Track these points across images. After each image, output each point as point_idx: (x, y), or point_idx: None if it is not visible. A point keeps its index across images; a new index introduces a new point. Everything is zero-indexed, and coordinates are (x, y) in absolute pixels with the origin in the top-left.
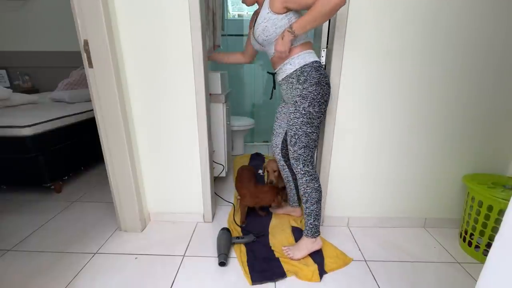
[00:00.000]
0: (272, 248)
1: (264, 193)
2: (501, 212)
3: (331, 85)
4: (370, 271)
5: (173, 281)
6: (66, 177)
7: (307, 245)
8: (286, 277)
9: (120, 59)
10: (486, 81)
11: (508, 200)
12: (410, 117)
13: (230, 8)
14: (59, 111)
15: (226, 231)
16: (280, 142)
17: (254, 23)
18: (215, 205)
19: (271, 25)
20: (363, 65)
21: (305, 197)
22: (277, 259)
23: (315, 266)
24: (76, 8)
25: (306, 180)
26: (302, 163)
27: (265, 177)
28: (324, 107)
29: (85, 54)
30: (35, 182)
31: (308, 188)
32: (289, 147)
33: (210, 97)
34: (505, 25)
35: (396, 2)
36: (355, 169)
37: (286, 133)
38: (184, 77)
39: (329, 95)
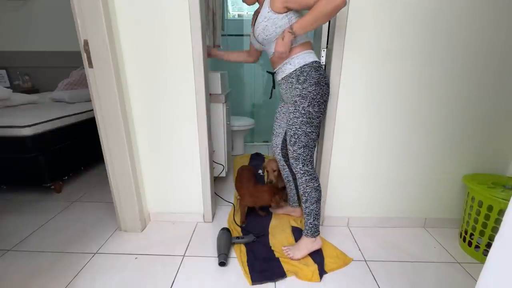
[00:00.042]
0: (272, 248)
1: (262, 193)
2: (501, 212)
3: (331, 85)
4: (370, 271)
5: (173, 281)
6: (66, 177)
7: (307, 244)
8: (286, 277)
9: (120, 59)
10: (486, 81)
11: (508, 200)
12: (410, 117)
13: (230, 8)
14: (59, 111)
15: (226, 231)
16: (280, 142)
17: (255, 22)
18: (215, 205)
19: (271, 24)
20: (363, 65)
21: (305, 196)
22: (277, 259)
23: (315, 266)
24: (76, 8)
25: (306, 179)
26: (302, 163)
27: (265, 177)
28: (323, 107)
29: (85, 54)
30: (35, 182)
31: (307, 187)
32: (288, 146)
33: (210, 97)
34: (505, 26)
35: (396, 2)
36: (355, 169)
37: (286, 133)
38: (184, 77)
39: (328, 95)
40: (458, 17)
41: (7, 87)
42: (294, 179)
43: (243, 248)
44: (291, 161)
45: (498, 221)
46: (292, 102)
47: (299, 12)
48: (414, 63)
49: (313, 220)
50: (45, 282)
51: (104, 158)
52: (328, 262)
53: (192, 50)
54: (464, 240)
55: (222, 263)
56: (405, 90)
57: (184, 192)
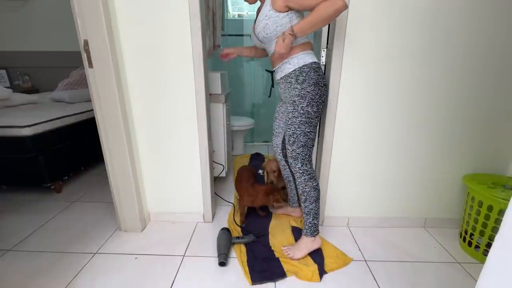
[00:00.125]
0: (272, 248)
1: (259, 192)
2: (501, 212)
3: (331, 85)
4: (370, 271)
5: (173, 281)
6: (66, 177)
7: (307, 244)
8: (286, 277)
9: (120, 59)
10: (485, 81)
11: (508, 200)
12: (410, 117)
13: (230, 8)
14: (59, 111)
15: (226, 231)
16: (280, 142)
17: (255, 19)
18: (215, 205)
19: (272, 23)
20: (363, 65)
21: (304, 196)
22: (277, 259)
23: (315, 266)
24: (76, 8)
25: (305, 179)
26: (301, 162)
27: (265, 177)
28: (321, 107)
29: (85, 54)
30: (35, 182)
31: (306, 187)
32: (287, 146)
33: (210, 97)
34: (505, 26)
35: (395, 3)
36: (355, 169)
37: (285, 132)
38: (184, 77)
39: (326, 96)
40: (457, 17)
41: (7, 87)
42: (295, 179)
43: (243, 248)
44: (290, 160)
45: (498, 221)
46: (291, 102)
47: (300, 12)
48: (414, 63)
49: (313, 219)
50: (45, 282)
51: (104, 158)
52: (328, 262)
53: (192, 50)
54: (464, 240)
55: (222, 263)
56: (405, 90)
57: (184, 192)
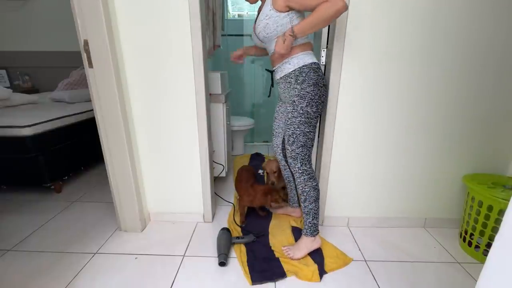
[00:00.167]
0: (272, 248)
1: (257, 192)
2: (501, 212)
3: (331, 85)
4: (370, 271)
5: (173, 281)
6: (66, 177)
7: (307, 244)
8: (286, 277)
9: (120, 59)
10: (485, 81)
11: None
12: (410, 117)
13: (230, 8)
14: (59, 111)
15: (226, 231)
16: (281, 142)
17: (256, 19)
18: (215, 205)
19: (273, 22)
20: (362, 65)
21: (304, 195)
22: (277, 259)
23: (315, 266)
24: (76, 8)
25: (304, 179)
26: (300, 162)
27: (265, 178)
28: (320, 107)
29: (85, 54)
30: (35, 182)
31: (306, 187)
32: (286, 146)
33: (210, 97)
34: (505, 26)
35: (395, 3)
36: (355, 169)
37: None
38: (184, 77)
39: (325, 96)
40: (457, 17)
41: (7, 87)
42: (295, 179)
43: (243, 248)
44: (290, 160)
45: (498, 221)
46: (291, 102)
47: (301, 12)
48: (413, 63)
49: (312, 219)
50: (45, 282)
51: (104, 158)
52: (328, 262)
53: (192, 50)
54: (464, 240)
55: (222, 263)
56: (404, 90)
57: (184, 192)
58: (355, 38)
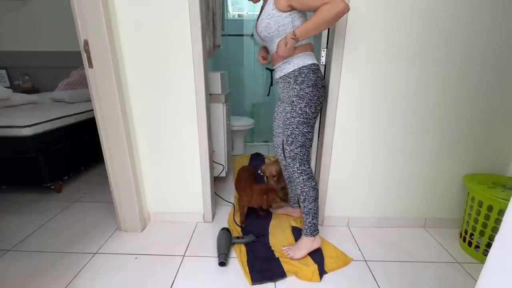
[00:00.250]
0: (272, 248)
1: (255, 192)
2: (501, 212)
3: (331, 84)
4: (370, 271)
5: (173, 281)
6: (66, 177)
7: (307, 244)
8: (286, 277)
9: (120, 59)
10: (484, 82)
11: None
12: (409, 118)
13: (230, 8)
14: (59, 111)
15: (226, 231)
16: (281, 143)
17: (258, 17)
18: (215, 205)
19: (274, 22)
20: (362, 65)
21: (303, 196)
22: (277, 259)
23: (315, 266)
24: (76, 8)
25: (303, 179)
26: (299, 162)
27: (265, 179)
28: (319, 108)
29: (85, 54)
30: (35, 182)
31: (305, 187)
32: (285, 146)
33: (210, 97)
34: (504, 27)
35: (395, 3)
36: (355, 169)
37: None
38: (184, 77)
39: (324, 97)
40: (456, 18)
41: (7, 87)
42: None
43: (243, 248)
44: (288, 160)
45: (498, 221)
46: (289, 102)
47: (303, 12)
48: (413, 64)
49: (312, 219)
50: (45, 282)
51: (104, 158)
52: (328, 262)
53: (192, 50)
54: (464, 240)
55: (222, 263)
56: (404, 90)
57: (184, 192)
58: (355, 38)
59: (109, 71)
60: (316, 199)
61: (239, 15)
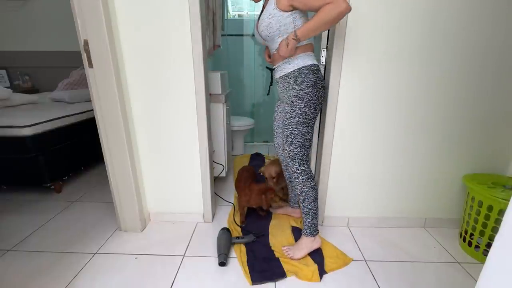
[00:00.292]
0: (272, 248)
1: (252, 192)
2: (501, 212)
3: (331, 84)
4: (370, 271)
5: (173, 281)
6: (66, 177)
7: (307, 244)
8: (286, 277)
9: (120, 59)
10: (484, 82)
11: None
12: (409, 117)
13: (230, 8)
14: (59, 111)
15: (226, 231)
16: (282, 143)
17: (259, 16)
18: (215, 205)
19: (275, 22)
20: (362, 65)
21: (303, 196)
22: (277, 259)
23: (315, 266)
24: (76, 8)
25: (303, 179)
26: (298, 162)
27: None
28: (318, 108)
29: (85, 54)
30: (35, 182)
31: (305, 187)
32: (284, 146)
33: (210, 97)
34: (504, 27)
35: (395, 3)
36: (355, 169)
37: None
38: (184, 77)
39: (323, 98)
40: (456, 18)
41: (7, 87)
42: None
43: (243, 248)
44: (288, 160)
45: (498, 221)
46: (289, 102)
47: (304, 12)
48: (412, 64)
49: (312, 219)
50: (45, 282)
51: (104, 158)
52: (328, 262)
53: (192, 50)
54: (464, 240)
55: (222, 263)
56: (404, 90)
57: (184, 192)
58: (355, 38)
59: (109, 71)
60: (315, 199)
61: (239, 15)
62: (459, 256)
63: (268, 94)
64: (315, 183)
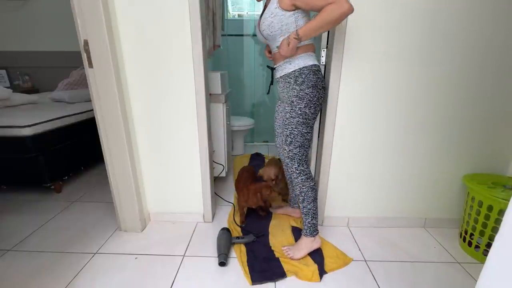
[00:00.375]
0: (272, 248)
1: (249, 192)
2: (501, 212)
3: (331, 84)
4: (370, 271)
5: (173, 281)
6: (66, 177)
7: (307, 244)
8: (286, 277)
9: (120, 59)
10: (484, 82)
11: (508, 200)
12: (409, 117)
13: (230, 8)
14: (59, 111)
15: (226, 231)
16: (282, 143)
17: (261, 15)
18: (215, 205)
19: (277, 21)
20: (362, 65)
21: (302, 196)
22: (277, 259)
23: (315, 266)
24: (76, 8)
25: (302, 179)
26: (297, 163)
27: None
28: (318, 109)
29: (85, 54)
30: (35, 182)
31: (304, 187)
32: (284, 146)
33: (210, 97)
34: (504, 27)
35: (395, 3)
36: (355, 169)
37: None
38: (184, 77)
39: (323, 99)
40: (456, 18)
41: (7, 87)
42: None
43: (243, 248)
44: (287, 160)
45: (498, 221)
46: (289, 102)
47: (306, 12)
48: (412, 64)
49: (311, 219)
50: (45, 282)
51: (104, 158)
52: (328, 262)
53: (192, 50)
54: (464, 240)
55: (222, 263)
56: (404, 90)
57: (184, 192)
58: (355, 38)
59: (109, 71)
60: (315, 199)
61: (239, 15)
62: (459, 256)
63: (268, 93)
64: (314, 183)
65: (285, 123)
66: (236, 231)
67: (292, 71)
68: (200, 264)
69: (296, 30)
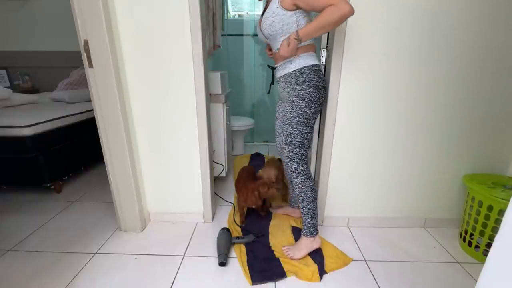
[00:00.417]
0: (272, 248)
1: (248, 191)
2: (501, 212)
3: (331, 84)
4: (370, 271)
5: (173, 281)
6: (66, 177)
7: (307, 244)
8: (286, 277)
9: (120, 59)
10: (484, 83)
11: (508, 200)
12: (409, 118)
13: (230, 8)
14: (59, 111)
15: (226, 231)
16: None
17: (263, 14)
18: (215, 205)
19: (279, 21)
20: (362, 66)
21: (301, 196)
22: (277, 259)
23: (315, 266)
24: (76, 8)
25: (302, 179)
26: (297, 163)
27: None
28: (319, 109)
29: (85, 54)
30: (35, 182)
31: (303, 187)
32: (283, 145)
33: (210, 97)
34: (503, 27)
35: (395, 4)
36: (355, 169)
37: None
38: (184, 77)
39: (324, 98)
40: (456, 18)
41: (7, 87)
42: None
43: (243, 248)
44: (286, 160)
45: (498, 221)
46: (290, 101)
47: (308, 12)
48: (413, 64)
49: (311, 220)
50: (45, 282)
51: (104, 158)
52: (328, 262)
53: (192, 50)
54: (464, 240)
55: (222, 263)
56: (404, 91)
57: (184, 192)
58: (355, 38)
59: (109, 71)
60: (314, 199)
61: (239, 15)
62: (459, 256)
63: (268, 92)
64: (314, 184)
65: (286, 122)
66: (236, 231)
67: (293, 71)
68: (200, 264)
69: (297, 30)
